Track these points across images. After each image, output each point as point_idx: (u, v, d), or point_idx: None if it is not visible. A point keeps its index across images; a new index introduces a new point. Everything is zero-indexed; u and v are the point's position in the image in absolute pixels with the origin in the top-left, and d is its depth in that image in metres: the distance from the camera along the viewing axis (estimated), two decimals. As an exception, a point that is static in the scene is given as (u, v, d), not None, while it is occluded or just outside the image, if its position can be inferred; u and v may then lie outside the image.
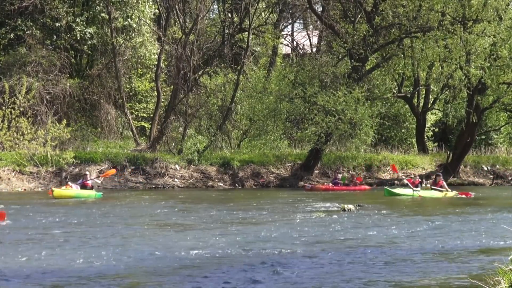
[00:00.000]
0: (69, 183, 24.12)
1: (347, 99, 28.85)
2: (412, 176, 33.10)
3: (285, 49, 45.64)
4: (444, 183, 25.98)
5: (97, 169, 29.12)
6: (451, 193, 25.37)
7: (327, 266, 10.26)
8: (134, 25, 35.56)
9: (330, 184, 28.86)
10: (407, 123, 40.39)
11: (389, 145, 37.70)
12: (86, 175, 24.82)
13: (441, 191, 25.25)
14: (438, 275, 9.61)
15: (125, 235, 13.63)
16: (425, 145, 37.42)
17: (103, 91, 35.31)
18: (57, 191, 22.74)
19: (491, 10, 28.92)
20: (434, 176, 27.26)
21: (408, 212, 19.13)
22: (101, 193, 24.09)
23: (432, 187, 25.66)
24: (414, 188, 24.86)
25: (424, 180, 27.86)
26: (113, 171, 27.28)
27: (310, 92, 29.75)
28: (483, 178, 34.87)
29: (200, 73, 35.86)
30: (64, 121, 29.46)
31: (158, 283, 9.12)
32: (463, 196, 25.13)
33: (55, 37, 34.71)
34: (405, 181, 26.42)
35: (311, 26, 46.06)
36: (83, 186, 23.92)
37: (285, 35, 43.84)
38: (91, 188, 24.11)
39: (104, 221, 15.95)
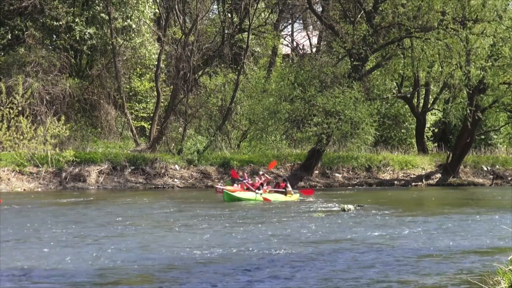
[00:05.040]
0: None
1: (346, 98, 28.81)
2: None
3: (285, 49, 45.63)
4: (289, 185, 23.82)
5: (97, 169, 29.12)
6: (296, 196, 23.56)
7: (327, 266, 10.25)
8: (134, 26, 35.56)
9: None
10: (407, 123, 40.38)
11: (389, 145, 37.70)
12: None
13: (285, 193, 23.26)
14: (438, 275, 9.61)
15: (124, 235, 13.63)
16: (425, 145, 37.42)
17: (103, 91, 35.30)
18: None
19: (491, 10, 28.92)
20: (277, 179, 25.05)
21: (408, 212, 19.12)
22: None
23: (275, 189, 23.59)
24: (256, 191, 22.63)
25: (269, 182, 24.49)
26: None
27: (309, 93, 29.74)
28: (483, 178, 34.87)
29: (200, 73, 35.87)
30: (63, 117, 29.42)
31: (157, 283, 9.12)
32: (307, 195, 23.49)
33: (54, 37, 34.71)
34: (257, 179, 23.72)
35: (311, 26, 46.04)
36: None
37: (285, 35, 43.85)
38: None
39: (103, 222, 15.94)
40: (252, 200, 22.26)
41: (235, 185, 24.17)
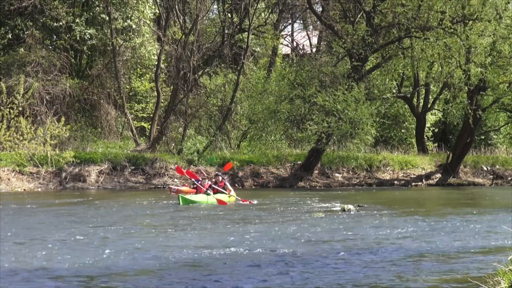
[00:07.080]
0: None
1: (347, 98, 28.81)
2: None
3: (285, 49, 45.65)
4: (227, 184, 22.31)
5: (97, 169, 29.12)
6: (234, 196, 21.82)
7: (327, 267, 10.25)
8: (134, 26, 35.58)
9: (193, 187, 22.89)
10: (407, 123, 40.41)
11: (389, 145, 37.72)
12: None
13: (224, 192, 21.64)
14: (438, 275, 9.61)
15: (124, 235, 13.62)
16: (425, 146, 37.44)
17: (103, 91, 35.33)
18: None
19: (491, 9, 28.92)
20: (215, 177, 22.62)
21: (407, 212, 19.12)
22: None
23: (214, 186, 21.78)
24: (208, 191, 21.33)
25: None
26: None
27: (309, 92, 29.73)
28: (483, 178, 34.88)
29: (200, 73, 35.87)
30: (63, 119, 29.44)
31: (157, 283, 9.12)
32: (245, 203, 21.23)
33: (54, 37, 34.74)
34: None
35: (310, 26, 46.08)
36: None
37: (285, 35, 43.86)
38: None
39: (103, 222, 15.93)
40: (204, 203, 20.77)
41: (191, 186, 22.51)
